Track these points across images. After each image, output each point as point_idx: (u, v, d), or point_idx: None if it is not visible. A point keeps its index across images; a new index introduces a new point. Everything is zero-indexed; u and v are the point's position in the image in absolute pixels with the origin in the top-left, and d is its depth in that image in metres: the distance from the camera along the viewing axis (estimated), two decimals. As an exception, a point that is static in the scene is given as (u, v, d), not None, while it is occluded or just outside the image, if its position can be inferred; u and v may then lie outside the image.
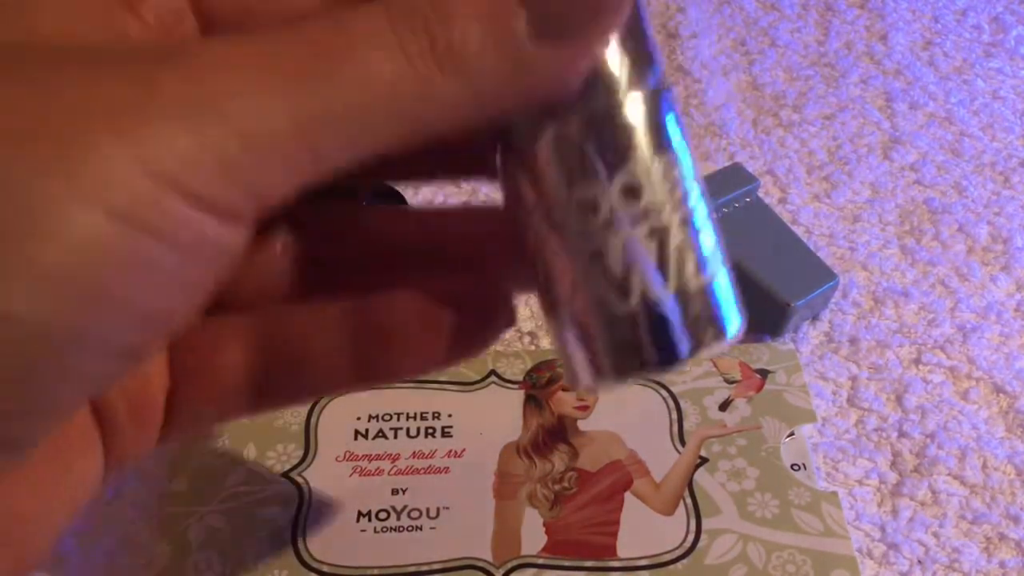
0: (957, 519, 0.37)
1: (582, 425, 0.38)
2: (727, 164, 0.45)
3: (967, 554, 0.35)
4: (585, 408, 0.38)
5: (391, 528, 0.35)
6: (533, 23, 0.17)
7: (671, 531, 0.35)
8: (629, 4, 0.18)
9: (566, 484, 0.36)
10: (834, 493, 0.36)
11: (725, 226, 0.42)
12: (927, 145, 0.52)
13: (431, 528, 0.35)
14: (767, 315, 0.41)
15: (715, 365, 0.40)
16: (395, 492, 0.36)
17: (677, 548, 0.34)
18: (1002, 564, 0.35)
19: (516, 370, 0.40)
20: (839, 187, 0.50)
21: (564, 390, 0.39)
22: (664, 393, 0.39)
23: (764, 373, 0.40)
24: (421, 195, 0.49)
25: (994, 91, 0.56)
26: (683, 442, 0.37)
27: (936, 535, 0.36)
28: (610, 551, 0.34)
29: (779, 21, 0.59)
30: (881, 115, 0.54)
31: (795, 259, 0.43)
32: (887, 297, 0.44)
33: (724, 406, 0.39)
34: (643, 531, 0.35)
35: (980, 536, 0.36)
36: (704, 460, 0.37)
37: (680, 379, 0.39)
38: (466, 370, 0.40)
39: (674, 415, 0.38)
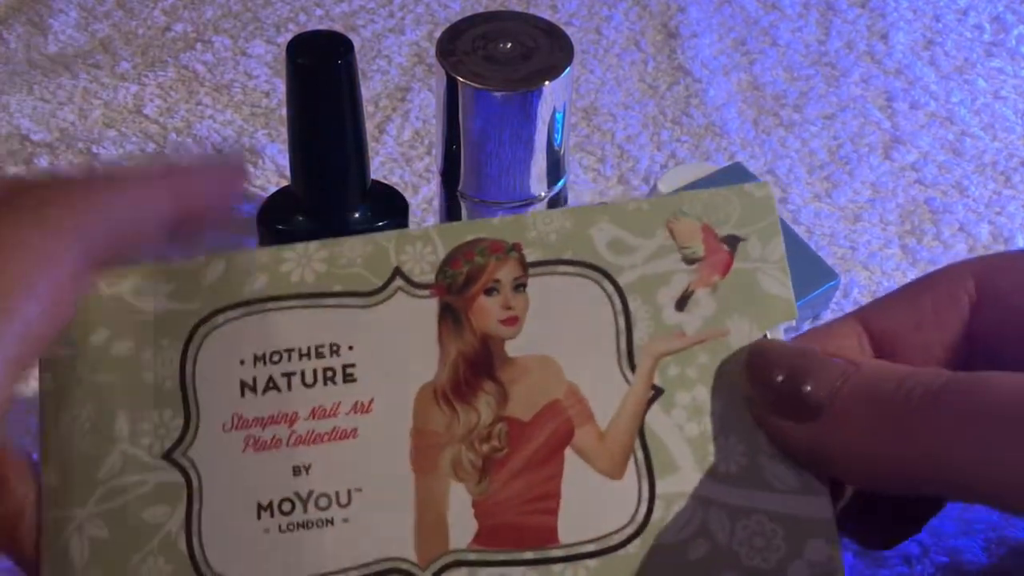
0: (957, 519, 0.36)
1: (511, 348, 0.30)
2: (727, 164, 0.45)
3: (967, 554, 0.35)
4: (514, 321, 0.30)
5: (298, 524, 0.29)
6: None
7: (620, 500, 0.28)
8: None
9: (496, 443, 0.29)
10: None
11: (725, 226, 0.42)
12: (928, 145, 0.52)
13: (343, 520, 0.29)
14: (767, 315, 0.41)
15: (671, 232, 0.30)
16: (297, 472, 0.29)
17: (628, 524, 0.28)
18: (1002, 564, 0.35)
19: (426, 264, 0.31)
20: (840, 187, 0.50)
21: (488, 292, 0.30)
22: (608, 286, 0.30)
23: (734, 243, 0.30)
24: (421, 195, 0.49)
25: (995, 91, 0.55)
26: (632, 365, 0.29)
27: (936, 535, 0.36)
28: (550, 535, 0.28)
29: (780, 20, 0.59)
30: (882, 115, 0.54)
31: (796, 259, 0.42)
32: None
33: (682, 303, 0.29)
34: (589, 503, 0.28)
35: (980, 536, 0.36)
36: (659, 392, 0.29)
37: (628, 261, 0.30)
38: (363, 271, 0.31)
39: (621, 321, 0.29)
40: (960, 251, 0.47)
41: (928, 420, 0.25)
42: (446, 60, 0.36)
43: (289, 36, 0.55)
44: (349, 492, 0.29)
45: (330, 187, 0.39)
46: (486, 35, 0.37)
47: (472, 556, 0.28)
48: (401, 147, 0.51)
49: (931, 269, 0.46)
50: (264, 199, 0.41)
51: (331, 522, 0.29)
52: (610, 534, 0.28)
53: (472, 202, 0.39)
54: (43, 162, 0.49)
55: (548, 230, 0.31)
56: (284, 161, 0.50)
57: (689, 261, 0.30)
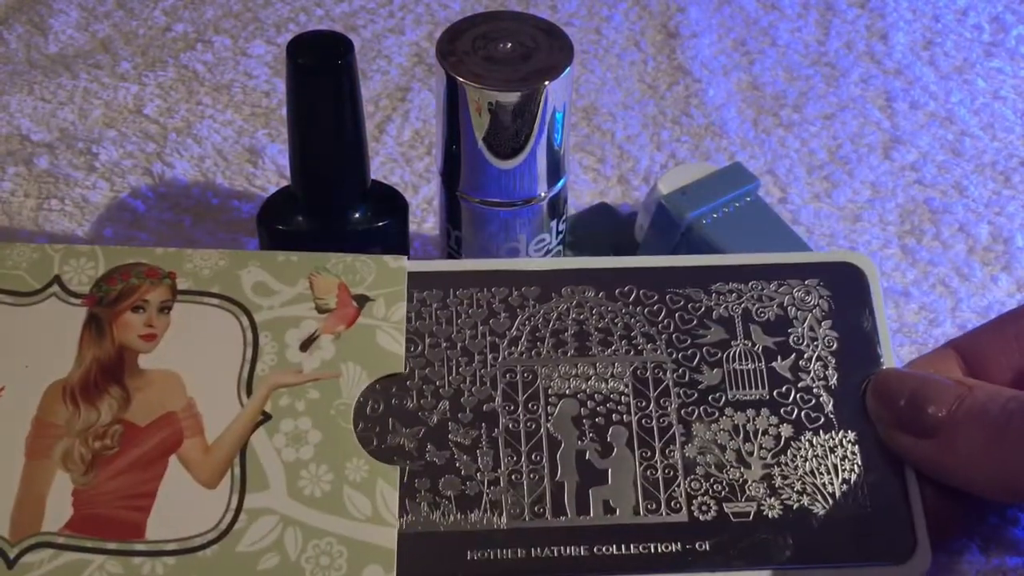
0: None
1: (143, 361, 0.33)
2: (727, 164, 0.45)
3: (967, 554, 0.35)
4: (152, 337, 0.33)
5: None
6: None
7: (209, 508, 0.31)
8: None
9: (108, 441, 0.32)
10: (395, 469, 0.32)
11: (725, 226, 0.42)
12: (927, 145, 0.52)
13: None
14: (767, 315, 0.41)
15: (311, 284, 0.34)
16: None
17: (211, 530, 0.31)
18: (1002, 564, 0.35)
19: (85, 276, 0.34)
20: (839, 187, 0.50)
21: (135, 309, 0.34)
22: (244, 321, 0.34)
23: (362, 301, 0.34)
24: (421, 195, 0.49)
25: (995, 91, 0.56)
26: (250, 391, 0.33)
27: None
28: (138, 531, 0.31)
29: (779, 21, 0.59)
30: (881, 115, 0.54)
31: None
32: (887, 297, 0.44)
33: (306, 344, 0.33)
34: (180, 507, 0.31)
35: (980, 536, 0.36)
36: (267, 417, 0.32)
37: (267, 302, 0.34)
38: (25, 275, 0.34)
39: (248, 353, 0.33)
40: (960, 251, 0.47)
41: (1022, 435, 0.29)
42: (446, 60, 0.36)
43: (289, 36, 0.55)
44: None
45: (330, 187, 0.39)
46: (486, 35, 0.37)
47: (60, 539, 0.30)
48: (401, 147, 0.51)
49: (931, 269, 0.46)
50: (264, 199, 0.41)
51: None
52: (193, 537, 0.31)
53: (472, 202, 0.39)
54: (43, 162, 0.49)
55: (203, 265, 0.34)
56: (284, 161, 0.50)
57: (321, 311, 0.34)
